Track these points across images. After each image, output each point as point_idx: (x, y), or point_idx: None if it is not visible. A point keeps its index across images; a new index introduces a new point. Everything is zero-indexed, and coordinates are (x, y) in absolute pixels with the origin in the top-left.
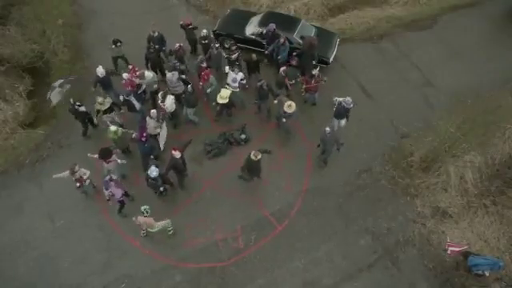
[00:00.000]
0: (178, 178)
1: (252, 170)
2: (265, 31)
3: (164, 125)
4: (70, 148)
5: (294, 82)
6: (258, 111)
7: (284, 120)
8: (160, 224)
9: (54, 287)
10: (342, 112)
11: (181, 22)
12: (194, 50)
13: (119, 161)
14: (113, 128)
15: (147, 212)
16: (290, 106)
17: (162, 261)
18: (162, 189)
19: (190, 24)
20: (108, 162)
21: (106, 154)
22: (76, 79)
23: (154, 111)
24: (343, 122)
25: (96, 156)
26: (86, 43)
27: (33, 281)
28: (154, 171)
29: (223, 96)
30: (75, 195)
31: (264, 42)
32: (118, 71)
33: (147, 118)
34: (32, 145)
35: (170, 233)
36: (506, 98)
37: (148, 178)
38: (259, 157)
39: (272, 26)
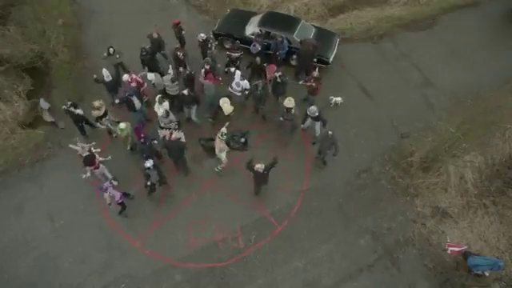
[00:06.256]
0: (180, 165)
1: (259, 180)
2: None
3: (181, 133)
4: (69, 148)
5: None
6: (256, 113)
7: (282, 119)
8: (223, 155)
9: (54, 287)
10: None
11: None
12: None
13: (101, 159)
14: (122, 125)
15: (223, 135)
16: (289, 101)
17: (162, 261)
18: (154, 180)
19: (179, 23)
20: (97, 168)
21: (90, 161)
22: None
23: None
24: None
25: (77, 147)
26: (86, 43)
27: (33, 280)
28: (149, 162)
29: (228, 110)
30: (75, 195)
31: (264, 43)
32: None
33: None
34: (32, 145)
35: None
36: (506, 98)
37: (144, 168)
38: (263, 167)
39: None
